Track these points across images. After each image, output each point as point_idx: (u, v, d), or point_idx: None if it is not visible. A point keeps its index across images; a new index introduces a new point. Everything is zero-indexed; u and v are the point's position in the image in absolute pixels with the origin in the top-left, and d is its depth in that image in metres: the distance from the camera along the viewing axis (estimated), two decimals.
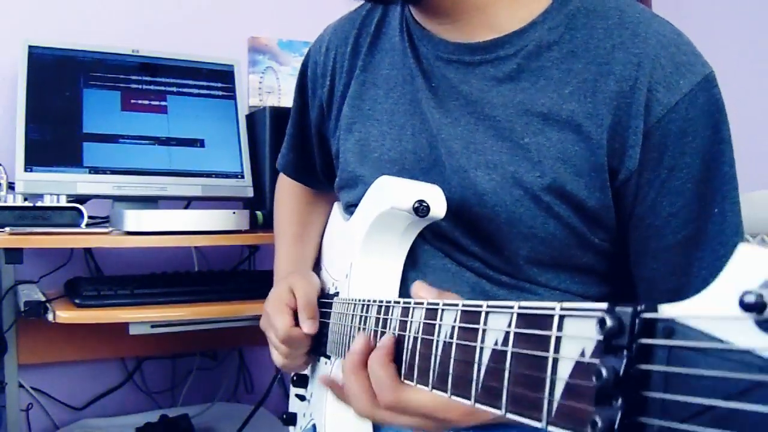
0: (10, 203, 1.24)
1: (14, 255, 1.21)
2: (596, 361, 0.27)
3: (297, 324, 0.86)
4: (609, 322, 0.25)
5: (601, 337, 0.26)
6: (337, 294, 0.86)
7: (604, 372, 0.25)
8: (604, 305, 0.27)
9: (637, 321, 0.25)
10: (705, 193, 0.68)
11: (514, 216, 0.71)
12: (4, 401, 1.48)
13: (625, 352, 0.25)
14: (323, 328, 0.86)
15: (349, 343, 0.72)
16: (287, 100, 1.66)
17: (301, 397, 0.98)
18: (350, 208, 0.88)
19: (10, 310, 1.45)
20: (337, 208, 0.99)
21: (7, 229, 1.19)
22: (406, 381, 0.55)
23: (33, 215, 1.24)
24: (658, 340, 0.24)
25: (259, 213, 1.44)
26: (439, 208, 0.73)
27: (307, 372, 0.97)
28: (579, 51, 0.70)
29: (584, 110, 0.69)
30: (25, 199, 1.27)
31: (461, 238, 0.76)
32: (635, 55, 0.67)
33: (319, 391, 0.91)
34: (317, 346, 0.89)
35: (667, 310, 0.24)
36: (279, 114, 1.47)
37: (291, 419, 1.02)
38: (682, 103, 0.66)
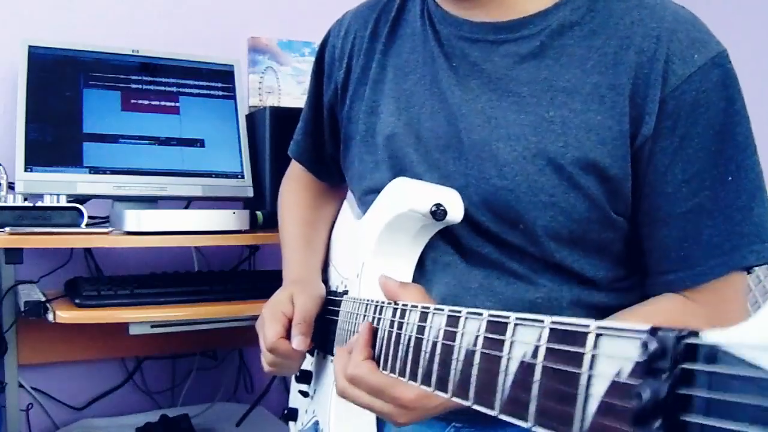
0: (10, 203, 1.23)
1: (14, 255, 1.20)
2: (635, 382, 0.28)
3: (288, 336, 0.86)
4: (652, 346, 0.26)
5: (642, 359, 0.27)
6: (346, 292, 0.87)
7: (644, 394, 0.26)
8: (645, 327, 0.28)
9: (679, 345, 0.26)
10: (718, 162, 0.70)
11: (536, 185, 0.73)
12: (4, 401, 1.48)
13: (666, 376, 0.26)
14: (331, 325, 0.86)
15: None
16: (287, 100, 1.66)
17: (304, 394, 0.98)
18: (366, 196, 0.88)
19: (10, 310, 1.45)
20: (347, 206, 0.99)
21: (7, 229, 1.19)
22: (423, 386, 0.56)
23: (33, 215, 1.24)
24: (701, 366, 0.25)
25: (259, 213, 1.43)
26: (456, 212, 0.74)
27: (311, 368, 0.97)
28: (599, 29, 0.74)
29: (606, 81, 0.72)
30: (25, 199, 1.27)
31: (477, 215, 0.77)
32: (654, 29, 0.71)
33: (323, 388, 0.92)
34: (324, 343, 0.90)
35: (710, 337, 0.25)
36: (279, 114, 1.48)
37: (292, 415, 1.02)
38: (696, 76, 0.69)
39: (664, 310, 0.74)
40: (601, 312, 0.77)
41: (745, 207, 0.70)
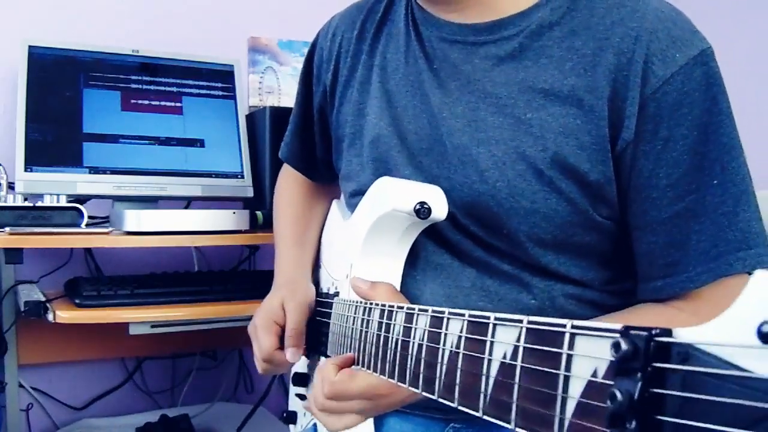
0: (10, 203, 1.23)
1: (14, 255, 1.20)
2: (610, 382, 0.27)
3: (282, 346, 0.87)
4: (624, 346, 0.25)
5: (614, 359, 0.26)
6: (337, 294, 0.87)
7: (618, 395, 0.25)
8: (618, 326, 0.27)
9: (651, 345, 0.25)
10: (702, 165, 0.68)
11: (516, 191, 0.72)
12: (4, 401, 1.48)
13: (639, 375, 0.25)
14: (323, 327, 0.86)
15: (349, 344, 0.73)
16: (287, 100, 1.66)
17: (302, 397, 0.98)
18: (353, 198, 0.88)
19: (10, 310, 1.45)
20: (335, 206, 0.99)
21: (7, 229, 1.19)
22: (411, 388, 0.55)
23: (33, 215, 1.24)
24: (673, 365, 0.24)
25: (259, 213, 1.43)
26: (440, 209, 0.73)
27: (307, 371, 0.97)
28: (579, 29, 0.72)
29: (585, 84, 0.70)
30: (25, 199, 1.27)
31: (462, 218, 0.77)
32: (633, 29, 0.69)
33: None
34: (317, 346, 0.89)
35: (682, 335, 0.24)
36: (279, 114, 1.47)
37: (291, 418, 1.02)
38: (678, 76, 0.67)
39: (645, 320, 0.71)
40: (599, 308, 0.76)
41: (731, 212, 0.67)
